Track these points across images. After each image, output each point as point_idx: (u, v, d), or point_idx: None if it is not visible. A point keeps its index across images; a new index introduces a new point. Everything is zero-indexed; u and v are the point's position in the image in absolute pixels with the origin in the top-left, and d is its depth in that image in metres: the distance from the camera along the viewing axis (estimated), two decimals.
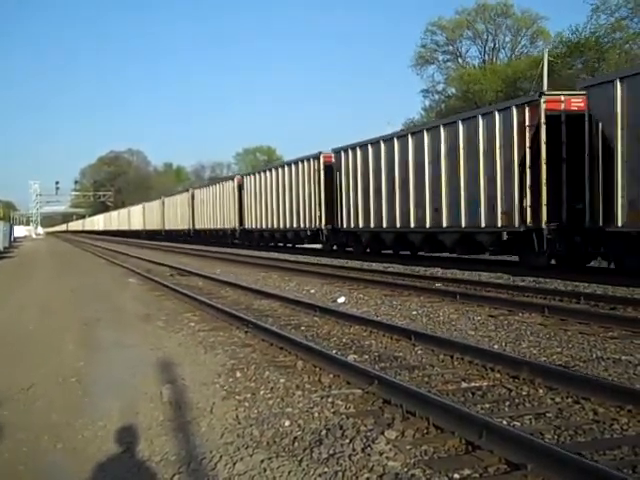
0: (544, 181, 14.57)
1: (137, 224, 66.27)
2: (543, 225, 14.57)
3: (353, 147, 23.23)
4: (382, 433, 4.54)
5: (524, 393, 5.45)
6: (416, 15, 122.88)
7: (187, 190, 49.89)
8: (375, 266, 18.38)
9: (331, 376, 6.20)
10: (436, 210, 18.28)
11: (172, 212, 52.15)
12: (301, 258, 23.26)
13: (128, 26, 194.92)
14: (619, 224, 12.66)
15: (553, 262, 15.65)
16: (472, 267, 16.57)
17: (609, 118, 12.75)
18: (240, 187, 36.34)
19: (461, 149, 17.15)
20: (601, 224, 13.10)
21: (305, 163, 27.50)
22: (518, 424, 4.69)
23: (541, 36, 55.07)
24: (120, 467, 4.26)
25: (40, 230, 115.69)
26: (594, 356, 6.78)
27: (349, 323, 9.07)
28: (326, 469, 4.01)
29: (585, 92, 13.91)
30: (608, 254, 14.19)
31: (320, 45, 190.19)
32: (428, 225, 18.71)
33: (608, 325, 8.24)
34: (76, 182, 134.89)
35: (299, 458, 4.21)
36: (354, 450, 4.30)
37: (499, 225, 15.88)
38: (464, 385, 5.80)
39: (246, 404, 5.46)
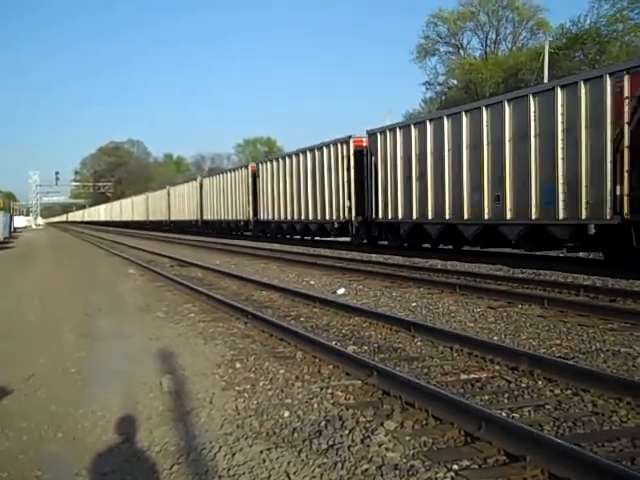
0: None
1: (141, 214, 64.67)
2: None
3: (392, 128, 21.04)
4: (381, 424, 4.55)
5: (523, 385, 5.46)
6: (416, 8, 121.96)
7: (195, 179, 47.88)
8: (375, 257, 18.38)
9: (330, 367, 6.20)
10: (497, 199, 16.04)
11: (179, 202, 50.08)
12: (301, 249, 23.23)
13: (129, 17, 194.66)
14: None
15: None
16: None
17: None
18: (255, 175, 33.80)
19: (532, 128, 14.78)
20: None
21: (332, 148, 24.85)
22: (517, 416, 4.70)
23: (542, 28, 54.89)
24: (119, 457, 4.27)
25: (40, 221, 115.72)
26: (593, 348, 6.78)
27: (349, 314, 9.07)
28: (325, 460, 4.02)
29: None
30: None
31: (320, 37, 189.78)
32: (487, 216, 16.42)
33: (608, 317, 8.24)
34: (76, 173, 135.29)
35: (298, 449, 4.22)
36: (353, 441, 4.30)
37: (583, 217, 13.59)
38: (463, 377, 5.81)
39: (246, 395, 5.47)
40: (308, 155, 27.25)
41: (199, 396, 5.48)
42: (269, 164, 32.25)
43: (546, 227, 14.64)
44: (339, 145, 24.34)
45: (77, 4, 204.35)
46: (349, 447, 4.20)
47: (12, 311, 10.68)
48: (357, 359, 6.14)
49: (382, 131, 21.59)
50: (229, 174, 38.63)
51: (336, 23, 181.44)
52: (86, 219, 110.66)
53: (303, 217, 27.87)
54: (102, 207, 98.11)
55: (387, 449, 4.14)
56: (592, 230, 13.40)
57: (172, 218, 52.18)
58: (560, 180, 14.09)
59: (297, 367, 6.34)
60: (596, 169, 13.21)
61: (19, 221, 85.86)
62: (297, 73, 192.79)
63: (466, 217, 17.29)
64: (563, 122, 14.02)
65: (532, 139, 14.80)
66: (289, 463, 4.00)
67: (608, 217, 12.99)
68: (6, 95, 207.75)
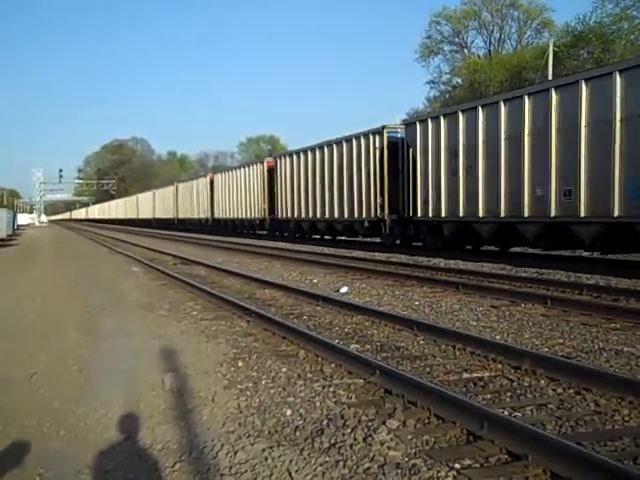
0: None
1: (147, 212, 63.19)
2: None
3: (434, 116, 19.14)
4: (383, 423, 4.54)
5: (526, 384, 5.45)
6: (417, 7, 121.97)
7: (205, 175, 45.98)
8: (378, 256, 18.36)
9: (333, 366, 6.20)
10: (567, 194, 14.02)
11: (187, 200, 47.99)
12: (305, 248, 23.23)
13: (132, 15, 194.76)
14: None
15: None
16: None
17: None
18: (271, 171, 31.65)
19: (618, 108, 12.78)
20: None
21: (363, 140, 22.74)
22: (519, 415, 4.69)
23: (547, 27, 54.81)
24: (121, 454, 4.27)
25: (43, 218, 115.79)
26: (596, 347, 6.77)
27: (351, 313, 9.07)
28: (327, 458, 4.02)
29: None
30: None
31: (322, 36, 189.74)
32: (553, 213, 14.37)
33: (610, 316, 8.22)
34: (79, 170, 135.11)
35: (300, 447, 4.21)
36: (355, 440, 4.30)
37: None
38: (466, 375, 5.80)
39: (248, 393, 5.47)
40: (334, 148, 25.11)
41: (201, 394, 5.48)
42: (288, 159, 30.02)
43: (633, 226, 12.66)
44: (371, 136, 22.27)
45: (77, 4, 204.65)
46: (351, 446, 4.20)
47: (14, 309, 10.68)
48: (359, 358, 6.13)
49: (422, 119, 19.74)
50: (243, 170, 36.54)
51: (337, 23, 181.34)
52: (90, 217, 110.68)
53: (327, 215, 25.80)
54: (107, 204, 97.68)
55: (389, 448, 4.14)
56: None
57: (180, 216, 50.41)
58: None
59: (299, 365, 6.34)
60: None
61: (22, 218, 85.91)
62: (299, 72, 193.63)
63: (526, 214, 15.18)
64: None
65: (617, 118, 12.83)
66: (291, 461, 4.00)
67: None
68: (9, 94, 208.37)
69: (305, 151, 28.17)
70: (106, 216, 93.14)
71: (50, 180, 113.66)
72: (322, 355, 6.55)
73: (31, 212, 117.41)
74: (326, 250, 21.65)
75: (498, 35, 58.94)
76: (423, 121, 19.53)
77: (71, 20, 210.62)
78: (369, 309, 9.15)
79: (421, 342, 7.21)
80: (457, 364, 6.21)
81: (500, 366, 6.01)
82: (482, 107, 16.86)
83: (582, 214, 13.67)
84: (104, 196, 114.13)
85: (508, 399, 5.09)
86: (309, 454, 4.10)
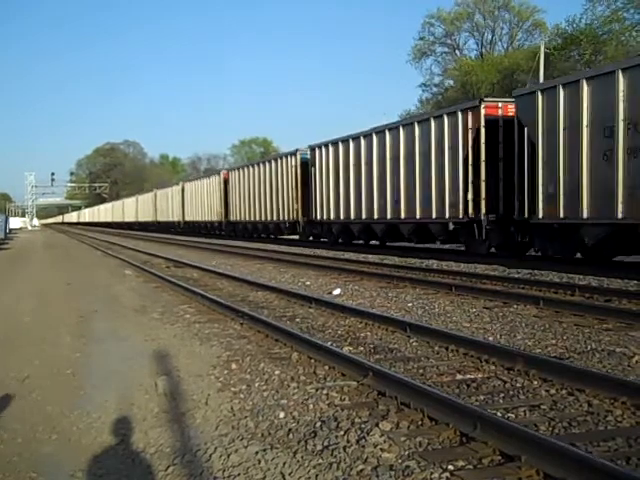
0: None
1: (147, 215, 60.34)
2: None
3: (568, 82, 13.98)
4: (377, 425, 4.54)
5: (519, 385, 5.46)
6: (413, 9, 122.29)
7: (218, 173, 41.50)
8: (371, 258, 18.37)
9: (326, 368, 6.20)
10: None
11: (197, 201, 44.17)
12: (297, 250, 23.20)
13: (125, 19, 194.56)
14: None
15: None
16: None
17: None
18: (306, 164, 27.21)
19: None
20: None
21: (447, 119, 17.85)
22: (513, 416, 4.70)
23: (539, 28, 55.04)
24: (115, 458, 4.26)
25: (36, 222, 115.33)
26: (589, 348, 6.79)
27: (344, 315, 9.07)
28: (321, 460, 4.02)
29: None
30: None
31: (317, 38, 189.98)
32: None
33: (603, 317, 8.25)
34: (72, 174, 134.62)
35: (294, 450, 4.21)
36: (349, 442, 4.30)
37: None
38: (459, 377, 5.81)
39: (241, 396, 5.47)
40: (401, 132, 19.93)
41: (194, 397, 5.47)
42: (332, 148, 24.60)
43: None
44: (459, 113, 17.40)
45: (71, 7, 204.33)
46: (344, 448, 4.20)
47: (7, 313, 10.64)
48: (353, 360, 6.13)
49: (546, 88, 14.65)
50: (266, 165, 31.95)
51: (331, 25, 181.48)
52: (83, 220, 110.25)
53: (390, 215, 20.61)
54: (101, 207, 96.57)
55: (382, 450, 4.14)
56: None
57: (187, 219, 47.01)
58: None
59: (293, 368, 6.34)
60: None
61: (15, 222, 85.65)
62: (291, 75, 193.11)
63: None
64: None
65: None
66: (284, 464, 3.99)
67: None
68: (2, 96, 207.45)
69: (357, 137, 22.71)
70: (101, 219, 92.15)
71: (42, 183, 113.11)
72: (315, 357, 6.55)
73: (23, 216, 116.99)
74: (318, 252, 21.64)
75: (490, 37, 59.29)
76: (547, 90, 14.51)
77: (63, 23, 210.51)
78: (362, 311, 9.14)
79: (414, 344, 7.21)
80: (450, 365, 6.22)
81: (493, 367, 6.02)
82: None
83: None
84: (96, 199, 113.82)
85: (501, 400, 5.10)
86: (302, 456, 4.09)
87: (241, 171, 36.43)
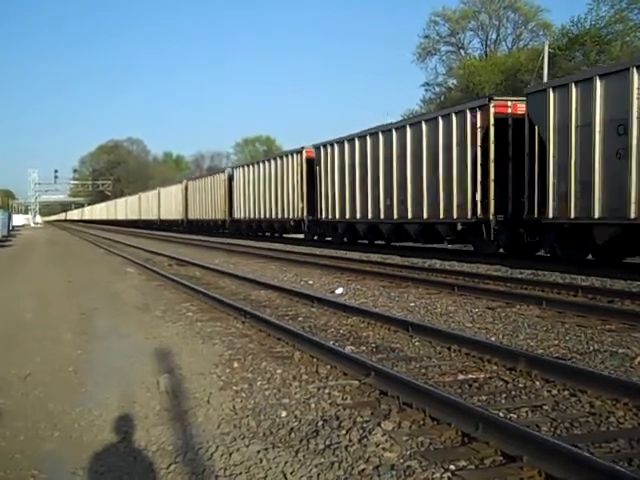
0: None
1: (152, 213, 60.65)
2: None
3: (560, 85, 14.27)
4: (379, 424, 4.54)
5: (521, 385, 5.45)
6: (414, 9, 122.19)
7: (222, 171, 41.85)
8: (374, 257, 18.35)
9: (328, 367, 6.19)
10: None
11: (200, 198, 44.34)
12: (301, 249, 23.19)
13: (125, 19, 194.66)
14: None
15: None
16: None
17: None
18: (312, 162, 27.05)
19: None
20: None
21: (454, 118, 17.53)
22: (514, 416, 4.69)
23: (544, 29, 54.91)
24: (116, 456, 4.26)
25: (39, 219, 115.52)
26: (591, 348, 6.78)
27: (347, 314, 9.06)
28: (322, 460, 4.02)
29: None
30: None
31: (317, 38, 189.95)
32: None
33: (605, 318, 8.24)
34: (75, 171, 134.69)
35: (295, 449, 4.21)
36: (350, 441, 4.29)
37: None
38: (461, 377, 5.80)
39: (243, 394, 5.46)
40: (408, 131, 19.56)
41: (196, 395, 5.47)
42: (337, 147, 24.55)
43: None
44: (468, 112, 17.13)
45: (74, 5, 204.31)
46: (346, 447, 4.19)
47: (9, 310, 10.65)
48: (355, 359, 6.13)
49: (558, 86, 14.34)
50: (271, 163, 32.12)
51: (333, 24, 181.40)
52: (85, 217, 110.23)
53: (396, 215, 20.35)
54: (104, 205, 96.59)
55: (384, 449, 4.13)
56: None
57: (190, 217, 47.24)
58: None
59: (295, 367, 6.33)
60: None
61: (18, 219, 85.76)
62: (295, 74, 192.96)
63: None
64: None
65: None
66: (286, 463, 3.99)
67: None
68: (5, 94, 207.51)
69: (363, 136, 22.62)
70: (104, 217, 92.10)
71: (45, 181, 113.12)
72: (317, 356, 6.54)
73: (26, 213, 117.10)
74: (322, 251, 21.62)
75: (495, 36, 59.17)
76: (561, 87, 14.23)
77: (63, 23, 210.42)
78: (364, 310, 9.14)
79: (416, 343, 7.21)
80: (452, 365, 6.21)
81: (495, 367, 6.01)
82: None
83: None
84: (99, 197, 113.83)
85: (503, 400, 5.09)
86: (304, 456, 4.09)
87: (246, 168, 36.64)
